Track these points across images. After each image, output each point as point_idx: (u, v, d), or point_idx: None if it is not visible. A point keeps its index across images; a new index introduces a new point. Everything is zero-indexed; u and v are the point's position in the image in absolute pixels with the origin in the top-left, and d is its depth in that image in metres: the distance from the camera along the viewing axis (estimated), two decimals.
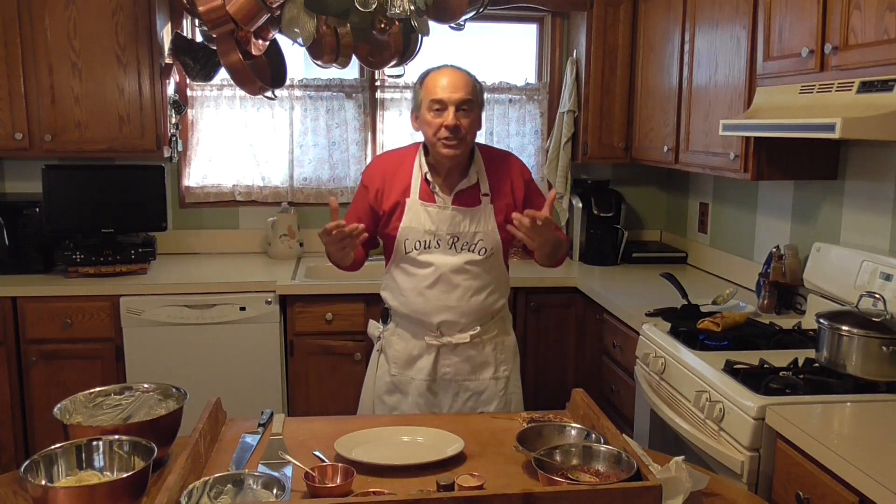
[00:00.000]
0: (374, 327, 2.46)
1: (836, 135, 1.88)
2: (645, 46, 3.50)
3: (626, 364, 2.84)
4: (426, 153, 2.29)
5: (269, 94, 2.73)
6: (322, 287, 3.26)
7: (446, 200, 2.24)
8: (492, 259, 2.27)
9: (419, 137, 2.29)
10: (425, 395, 2.31)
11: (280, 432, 1.78)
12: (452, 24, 2.49)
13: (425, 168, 2.26)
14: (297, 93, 3.77)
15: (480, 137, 3.88)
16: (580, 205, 3.77)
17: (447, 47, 3.76)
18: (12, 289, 3.11)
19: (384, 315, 2.44)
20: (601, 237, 3.74)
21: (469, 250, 2.24)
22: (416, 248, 2.24)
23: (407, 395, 2.33)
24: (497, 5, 3.50)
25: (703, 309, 2.69)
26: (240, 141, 3.77)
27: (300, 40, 2.38)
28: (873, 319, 2.01)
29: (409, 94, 3.82)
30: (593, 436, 1.66)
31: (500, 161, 2.34)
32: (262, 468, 1.58)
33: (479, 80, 2.30)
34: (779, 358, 2.18)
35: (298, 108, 3.78)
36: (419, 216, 2.23)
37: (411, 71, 3.34)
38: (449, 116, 2.16)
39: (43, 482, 1.42)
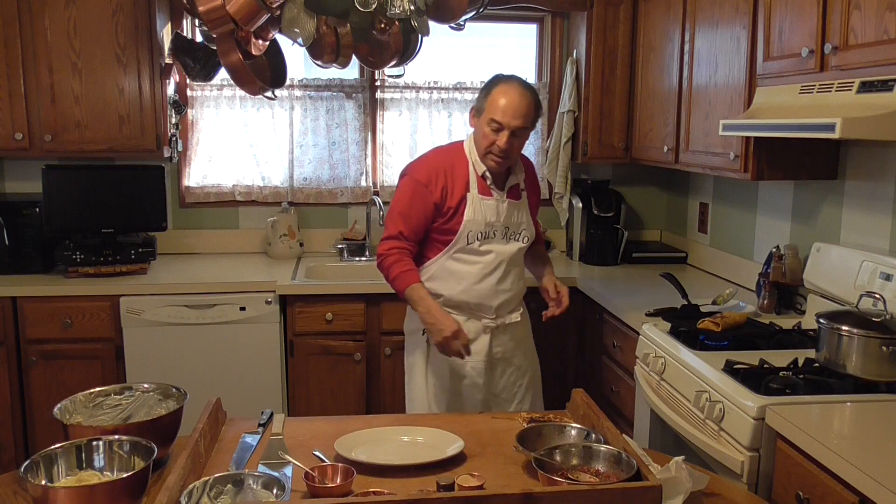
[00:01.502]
0: (416, 321, 2.48)
1: (836, 135, 1.88)
2: (645, 46, 3.50)
3: (626, 364, 2.84)
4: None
5: (269, 94, 2.73)
6: (322, 287, 3.26)
7: (501, 194, 2.46)
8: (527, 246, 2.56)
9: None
10: (483, 374, 2.49)
11: (280, 432, 1.78)
12: (452, 24, 2.49)
13: (483, 167, 2.43)
14: (297, 93, 3.77)
15: None
16: (580, 205, 3.77)
17: (447, 47, 3.77)
18: (12, 289, 3.11)
19: None
20: (601, 237, 3.74)
21: (516, 239, 2.51)
22: (477, 239, 2.44)
23: (464, 378, 2.47)
24: (497, 5, 3.50)
25: (703, 309, 2.69)
26: (240, 141, 3.77)
27: (300, 40, 2.38)
28: (873, 319, 2.01)
29: (409, 94, 3.82)
30: (593, 436, 1.66)
31: (524, 158, 2.59)
32: (262, 468, 1.58)
33: (540, 99, 2.48)
34: (779, 358, 2.18)
35: (298, 108, 3.78)
36: (481, 209, 2.42)
37: (412, 71, 3.35)
38: (503, 139, 2.35)
39: (43, 482, 1.42)
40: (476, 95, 2.49)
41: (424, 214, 2.41)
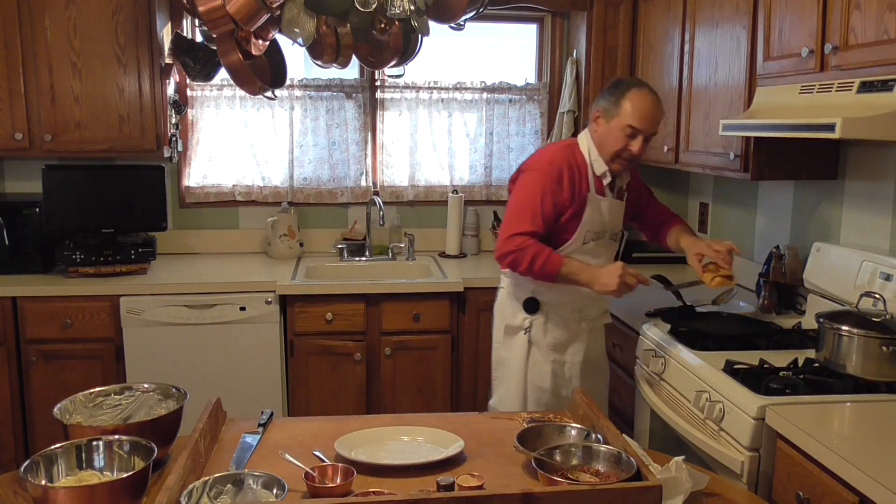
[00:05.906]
0: (518, 317, 2.45)
1: (836, 135, 1.88)
2: (645, 46, 3.50)
3: (626, 364, 2.84)
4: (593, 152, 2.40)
5: (269, 94, 2.74)
6: (322, 287, 3.26)
7: (612, 195, 2.43)
8: None
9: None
10: (579, 375, 2.48)
11: None
12: (452, 24, 2.49)
13: (603, 167, 2.37)
14: (297, 93, 3.77)
15: (480, 137, 3.91)
16: None
17: (447, 47, 3.77)
18: (12, 289, 3.11)
19: (531, 306, 2.43)
20: None
21: (614, 240, 2.52)
22: (591, 241, 2.41)
23: (563, 377, 2.48)
24: (497, 5, 3.50)
25: (702, 309, 2.69)
26: (240, 141, 3.77)
27: (300, 40, 2.38)
28: (873, 319, 2.01)
29: (409, 94, 3.82)
30: (593, 436, 1.66)
31: None
32: None
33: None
34: (779, 358, 2.18)
35: (298, 108, 3.78)
36: (598, 209, 2.38)
37: (412, 71, 3.35)
38: (637, 145, 2.32)
39: (43, 482, 1.42)
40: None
41: (555, 212, 2.30)
